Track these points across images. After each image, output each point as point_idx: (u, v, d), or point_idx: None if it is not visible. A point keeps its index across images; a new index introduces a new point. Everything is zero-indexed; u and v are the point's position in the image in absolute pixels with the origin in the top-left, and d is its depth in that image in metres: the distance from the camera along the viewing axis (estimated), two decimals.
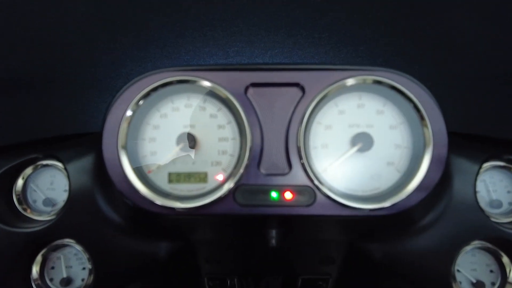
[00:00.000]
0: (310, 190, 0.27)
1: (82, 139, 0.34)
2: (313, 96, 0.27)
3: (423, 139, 0.27)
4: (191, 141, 0.28)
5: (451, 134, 0.32)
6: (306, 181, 0.27)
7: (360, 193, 0.27)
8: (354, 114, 0.28)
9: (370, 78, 0.27)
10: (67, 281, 0.33)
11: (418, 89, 0.27)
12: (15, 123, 0.36)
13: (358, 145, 0.27)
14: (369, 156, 0.28)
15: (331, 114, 0.28)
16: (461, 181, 0.32)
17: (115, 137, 0.27)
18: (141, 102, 0.28)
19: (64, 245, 0.35)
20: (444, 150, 0.27)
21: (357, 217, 0.27)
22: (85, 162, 0.32)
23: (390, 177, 0.27)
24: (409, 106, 0.27)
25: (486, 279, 0.34)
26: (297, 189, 0.27)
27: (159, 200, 0.27)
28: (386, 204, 0.26)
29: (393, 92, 0.28)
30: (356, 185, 0.27)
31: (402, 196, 0.26)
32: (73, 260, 0.35)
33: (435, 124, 0.27)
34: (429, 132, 0.26)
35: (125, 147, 0.27)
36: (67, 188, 0.34)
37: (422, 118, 0.27)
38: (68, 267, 0.35)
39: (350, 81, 0.27)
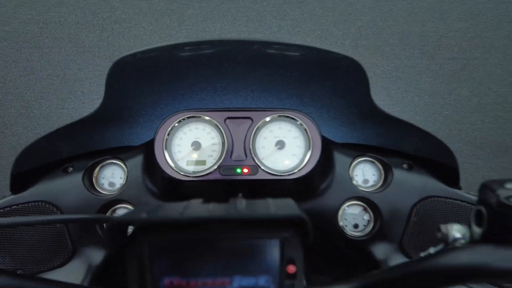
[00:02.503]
0: (256, 167, 0.54)
1: (134, 147, 0.62)
2: (257, 124, 0.55)
3: (309, 144, 0.55)
4: (197, 145, 0.56)
5: (335, 143, 0.60)
6: (253, 163, 0.54)
7: (280, 169, 0.55)
8: (277, 131, 0.55)
9: (281, 114, 0.55)
10: None
11: (306, 119, 0.55)
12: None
13: (278, 146, 0.55)
14: (284, 152, 0.55)
15: (266, 132, 0.55)
16: (340, 167, 0.59)
17: (161, 143, 0.55)
18: (176, 124, 0.55)
19: (123, 207, 0.61)
20: (318, 150, 0.54)
21: (280, 180, 0.54)
22: (137, 160, 0.59)
23: (294, 161, 0.55)
24: (302, 128, 0.56)
25: (361, 223, 0.61)
26: (250, 167, 0.54)
27: (181, 172, 0.54)
28: (295, 174, 0.54)
29: (294, 121, 0.56)
30: (279, 166, 0.55)
31: (300, 170, 0.54)
32: None
33: (314, 137, 0.55)
34: (310, 141, 0.55)
35: (165, 149, 0.55)
36: (122, 176, 0.61)
37: (307, 133, 0.55)
38: None
39: (273, 116, 0.55)
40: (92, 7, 1.55)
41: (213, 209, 0.24)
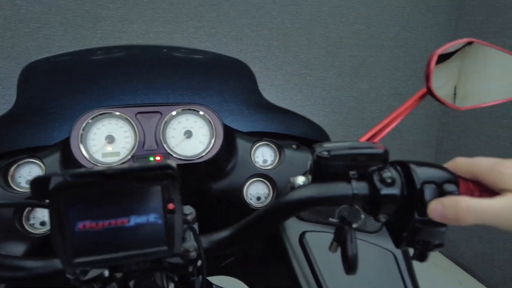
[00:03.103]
0: (167, 154, 0.63)
1: (51, 146, 0.65)
2: (165, 117, 0.63)
3: (213, 132, 0.65)
4: (111, 138, 0.62)
5: (238, 131, 0.71)
6: (164, 151, 0.62)
7: (190, 154, 0.63)
8: (185, 123, 0.64)
9: (185, 108, 0.64)
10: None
11: (208, 111, 0.65)
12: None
13: (186, 135, 0.64)
14: (192, 140, 0.65)
15: (175, 123, 0.64)
16: (243, 151, 0.70)
17: (76, 138, 0.60)
18: (89, 121, 0.60)
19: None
20: (221, 136, 0.64)
21: (191, 164, 0.63)
22: (55, 157, 0.63)
23: (201, 147, 0.64)
24: (206, 119, 0.66)
25: (263, 195, 0.72)
26: (162, 155, 0.62)
27: (97, 163, 0.60)
28: (203, 158, 0.63)
29: (198, 113, 0.66)
30: (188, 152, 0.63)
31: (207, 154, 0.64)
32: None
33: (217, 126, 0.65)
34: (214, 129, 0.65)
35: (81, 143, 0.60)
36: (40, 174, 0.64)
37: (211, 123, 0.65)
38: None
39: (178, 110, 0.64)
40: None
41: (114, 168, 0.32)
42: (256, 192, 0.72)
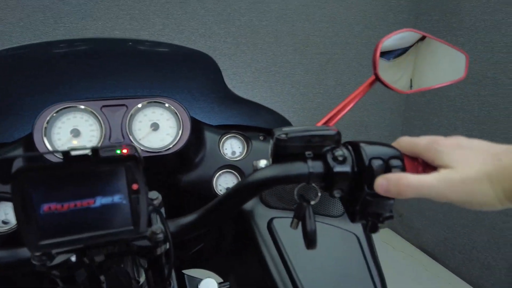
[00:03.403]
0: (133, 147, 0.63)
1: (13, 143, 0.64)
2: (131, 110, 0.64)
3: (180, 124, 0.66)
4: (77, 132, 0.61)
5: (206, 124, 0.72)
6: (130, 142, 0.63)
7: (157, 146, 0.64)
8: (151, 115, 0.65)
9: (150, 101, 0.65)
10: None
11: (174, 103, 0.66)
12: None
13: (153, 127, 0.65)
14: (159, 132, 0.65)
15: (141, 116, 0.65)
16: (211, 143, 0.72)
17: (40, 132, 0.59)
18: (54, 114, 0.60)
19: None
20: (188, 128, 0.65)
21: (158, 156, 0.64)
22: (18, 152, 0.62)
23: (168, 139, 0.64)
24: (173, 111, 0.67)
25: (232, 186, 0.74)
26: (127, 147, 0.63)
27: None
28: (170, 150, 0.64)
29: (164, 105, 0.67)
30: (155, 144, 0.64)
31: (174, 145, 0.65)
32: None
33: (184, 118, 0.66)
34: (181, 121, 0.66)
35: (45, 137, 0.59)
36: None
37: (177, 115, 0.66)
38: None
39: (143, 103, 0.65)
40: None
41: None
42: (226, 183, 0.73)
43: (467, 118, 1.87)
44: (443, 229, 2.06)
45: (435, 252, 2.14)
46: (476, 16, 1.77)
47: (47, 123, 0.59)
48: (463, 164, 0.33)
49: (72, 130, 0.60)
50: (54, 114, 0.60)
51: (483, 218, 1.81)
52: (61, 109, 0.60)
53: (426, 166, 0.39)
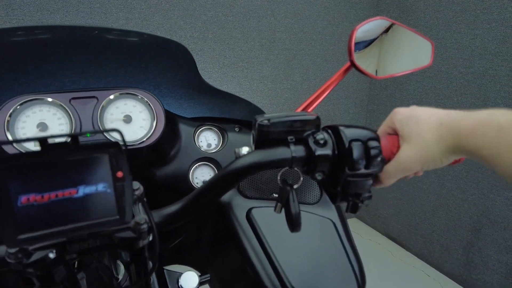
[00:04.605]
0: (104, 137, 0.61)
1: None
2: (102, 102, 0.61)
3: (154, 116, 0.65)
4: (44, 126, 0.58)
5: (181, 117, 0.71)
6: (103, 137, 0.60)
7: (130, 139, 0.62)
8: (123, 107, 0.63)
9: (122, 92, 0.63)
10: None
11: (147, 95, 0.65)
12: None
13: (125, 120, 0.63)
14: (132, 125, 0.63)
15: (112, 108, 0.62)
16: (186, 136, 0.71)
17: (2, 127, 0.55)
18: (17, 107, 0.56)
19: None
20: (162, 120, 0.64)
21: (132, 150, 0.62)
22: None
23: (142, 132, 0.63)
24: (146, 102, 0.65)
25: (208, 178, 0.74)
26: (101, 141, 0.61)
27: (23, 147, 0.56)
28: (144, 143, 0.62)
29: (137, 97, 0.65)
30: (129, 137, 0.62)
31: (148, 139, 0.63)
32: None
33: (157, 110, 0.65)
34: (154, 113, 0.64)
35: (8, 131, 0.56)
36: None
37: (151, 107, 0.65)
38: None
39: (115, 94, 0.62)
40: None
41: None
42: (202, 176, 0.73)
43: None
44: (407, 216, 2.18)
45: (400, 238, 2.25)
46: (430, 14, 1.88)
47: (10, 116, 0.55)
48: (417, 136, 0.38)
49: (39, 124, 0.57)
50: (18, 107, 0.56)
51: (442, 204, 1.94)
52: (25, 102, 0.56)
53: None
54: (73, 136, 0.29)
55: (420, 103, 2.00)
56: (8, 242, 0.28)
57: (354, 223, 2.52)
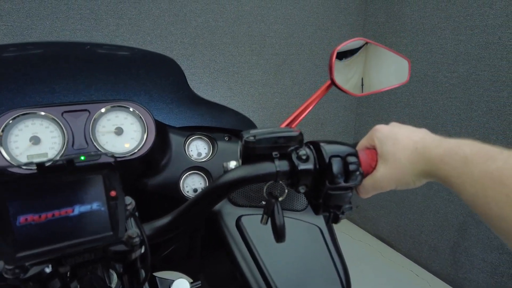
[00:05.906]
0: (98, 154, 0.62)
1: None
2: (94, 115, 0.63)
3: (144, 127, 0.66)
4: (37, 139, 0.59)
5: (171, 127, 0.73)
6: (95, 149, 0.62)
7: (122, 151, 0.64)
8: (115, 120, 0.64)
9: (114, 105, 0.65)
10: None
11: (138, 107, 0.66)
12: None
13: (117, 132, 0.65)
14: (123, 137, 0.65)
15: (104, 121, 0.64)
16: (176, 146, 0.73)
17: None
18: (10, 121, 0.57)
19: None
20: (153, 132, 0.66)
21: (124, 161, 0.63)
22: None
23: (133, 143, 0.64)
24: (137, 115, 0.67)
25: (199, 187, 0.76)
26: (93, 153, 0.62)
27: (23, 166, 0.57)
28: (135, 154, 0.64)
29: (128, 109, 0.66)
30: (120, 149, 0.64)
31: (139, 150, 0.65)
32: None
33: (148, 121, 0.66)
34: (145, 125, 0.66)
35: (1, 146, 0.57)
36: None
37: (142, 119, 0.66)
38: None
39: (107, 107, 0.64)
40: None
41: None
42: (193, 185, 0.75)
43: (412, 113, 2.03)
44: (396, 217, 2.22)
45: (389, 239, 2.30)
46: (416, 20, 1.93)
47: (2, 131, 0.56)
48: (393, 157, 0.41)
49: (32, 138, 0.58)
50: (10, 121, 0.57)
51: (429, 205, 1.98)
52: (18, 116, 0.57)
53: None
54: (69, 160, 0.30)
55: (408, 106, 2.05)
56: (7, 260, 0.30)
57: (345, 225, 2.55)
